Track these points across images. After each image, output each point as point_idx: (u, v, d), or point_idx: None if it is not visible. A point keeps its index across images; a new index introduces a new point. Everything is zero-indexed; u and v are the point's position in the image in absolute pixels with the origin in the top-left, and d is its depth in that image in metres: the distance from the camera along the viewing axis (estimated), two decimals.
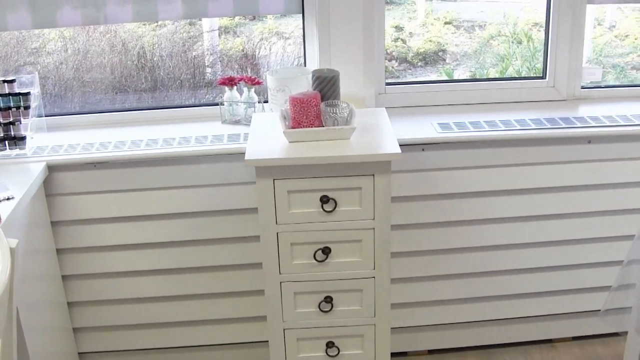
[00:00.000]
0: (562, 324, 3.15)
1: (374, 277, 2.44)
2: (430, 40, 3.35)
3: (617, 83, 3.32)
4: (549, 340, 3.19)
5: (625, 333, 3.11)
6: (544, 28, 3.06)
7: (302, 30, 2.94)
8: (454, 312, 3.06)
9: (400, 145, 2.33)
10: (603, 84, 3.20)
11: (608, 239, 2.98)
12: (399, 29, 3.31)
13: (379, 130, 2.46)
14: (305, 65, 2.97)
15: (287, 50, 3.25)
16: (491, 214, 2.88)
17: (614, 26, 3.46)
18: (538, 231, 2.94)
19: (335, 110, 2.40)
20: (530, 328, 3.14)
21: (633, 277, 2.19)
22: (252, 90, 2.88)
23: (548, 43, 3.05)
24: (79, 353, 3.01)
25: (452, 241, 2.91)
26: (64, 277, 2.86)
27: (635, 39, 3.45)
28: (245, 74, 3.05)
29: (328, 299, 2.47)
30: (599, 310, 3.06)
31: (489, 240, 2.93)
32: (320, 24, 2.81)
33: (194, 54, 3.22)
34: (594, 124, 2.83)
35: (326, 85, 2.47)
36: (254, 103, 2.87)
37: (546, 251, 2.98)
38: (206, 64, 3.28)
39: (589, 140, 2.82)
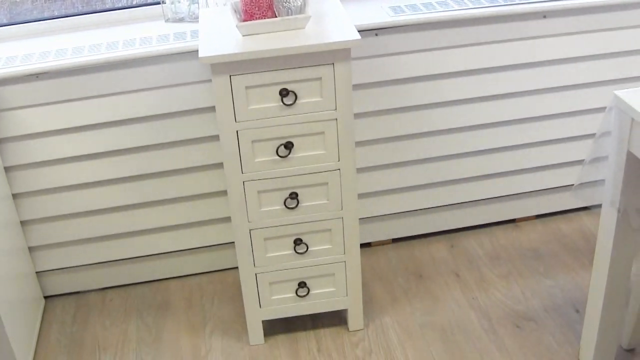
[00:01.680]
0: (525, 202, 3.16)
1: (339, 169, 2.39)
2: None
3: None
4: (513, 220, 3.20)
5: (591, 208, 3.16)
6: None
7: None
8: (416, 198, 3.04)
9: None
10: None
11: (568, 115, 2.97)
12: None
13: (334, 18, 2.37)
14: None
15: None
16: (450, 96, 2.83)
17: None
18: (497, 110, 2.90)
19: None
20: (493, 209, 3.15)
21: (605, 150, 2.16)
22: None
23: None
24: (36, 272, 2.94)
25: (413, 126, 2.86)
26: (14, 196, 2.76)
27: None
28: None
29: (293, 195, 2.41)
30: (561, 187, 3.10)
31: (449, 122, 2.88)
32: None
33: None
34: None
35: None
36: None
37: (506, 130, 2.96)
38: None
39: (544, 15, 2.76)
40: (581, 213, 3.20)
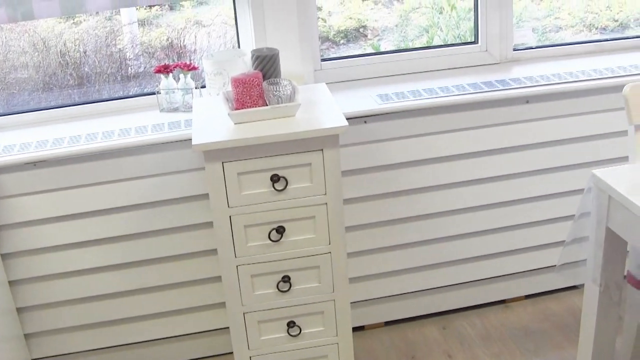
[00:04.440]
0: (515, 283, 3.20)
1: (330, 253, 2.44)
2: (350, 18, 3.35)
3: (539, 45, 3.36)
4: (503, 301, 3.24)
5: (579, 287, 3.19)
6: None
7: (223, 18, 2.91)
8: (408, 281, 3.08)
9: None
10: (534, 45, 3.24)
11: (553, 196, 3.04)
12: (318, 8, 3.30)
13: (323, 105, 2.45)
14: (239, 47, 2.94)
15: (212, 36, 3.22)
16: (438, 180, 2.90)
17: None
18: (484, 194, 2.97)
19: (278, 88, 2.39)
20: (483, 290, 3.18)
21: (585, 230, 2.22)
22: (188, 76, 2.84)
23: (478, 8, 3.07)
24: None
25: (402, 211, 2.93)
26: (10, 283, 2.79)
27: (551, 2, 3.51)
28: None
29: (286, 279, 2.46)
30: (550, 266, 3.14)
31: (438, 206, 2.95)
32: (253, 5, 2.78)
33: (117, 47, 3.16)
34: (530, 84, 2.87)
35: (267, 63, 2.45)
36: (191, 89, 2.84)
37: (494, 213, 3.02)
38: (131, 57, 3.22)
39: (527, 100, 2.86)
40: (570, 292, 3.23)
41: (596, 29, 3.54)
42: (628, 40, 3.28)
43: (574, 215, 3.01)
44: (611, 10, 3.58)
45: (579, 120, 2.93)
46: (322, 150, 2.29)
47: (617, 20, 3.57)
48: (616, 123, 2.90)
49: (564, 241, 3.05)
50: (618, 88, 2.36)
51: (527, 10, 3.49)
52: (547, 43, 3.40)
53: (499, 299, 3.23)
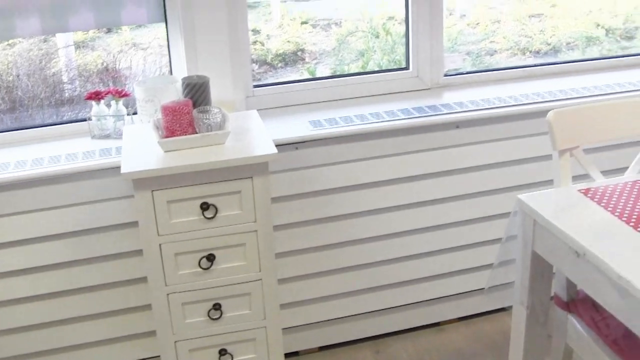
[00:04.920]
0: (448, 305, 3.23)
1: (260, 280, 2.44)
2: (288, 41, 3.37)
3: (475, 69, 3.42)
4: (437, 324, 3.26)
5: (509, 308, 3.23)
6: (404, 19, 3.13)
7: (161, 41, 2.90)
8: (341, 306, 3.09)
9: None
10: (464, 71, 3.29)
11: (483, 219, 3.08)
12: (256, 32, 3.31)
13: (253, 133, 2.46)
14: (172, 74, 2.94)
15: (148, 60, 3.22)
16: (369, 205, 2.93)
17: (465, 15, 3.57)
18: (416, 218, 3.00)
19: (208, 116, 2.39)
20: (417, 313, 3.21)
21: (512, 253, 2.26)
22: (120, 102, 2.83)
23: (409, 34, 3.11)
24: None
25: (334, 236, 2.94)
26: None
27: (486, 26, 3.57)
28: (112, 87, 3.00)
29: (217, 306, 2.45)
30: (481, 289, 3.18)
31: (369, 231, 2.97)
32: (185, 31, 2.79)
33: (52, 70, 3.14)
34: (460, 109, 2.91)
35: (197, 91, 2.46)
36: (123, 116, 2.82)
37: (426, 237, 3.05)
38: (66, 81, 3.20)
39: (457, 125, 2.90)
40: (502, 313, 3.27)
41: (530, 52, 3.61)
42: (557, 65, 3.35)
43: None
44: (544, 34, 3.65)
45: (506, 144, 2.98)
46: (251, 177, 2.30)
47: (549, 44, 3.65)
48: (543, 147, 2.95)
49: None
50: (544, 113, 2.41)
51: (462, 34, 3.54)
52: (481, 67, 3.46)
53: (433, 322, 3.25)
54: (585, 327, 2.25)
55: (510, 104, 2.96)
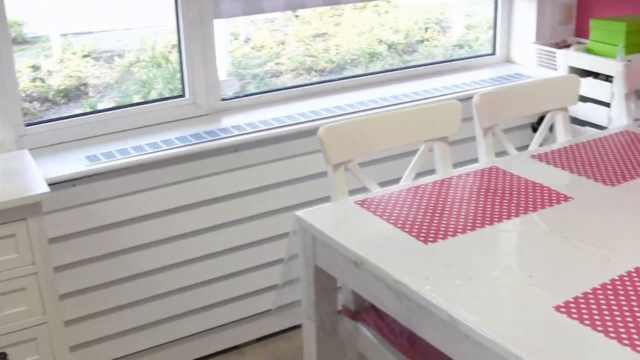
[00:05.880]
0: (246, 327, 3.24)
1: (46, 323, 2.37)
2: (70, 76, 3.29)
3: (258, 91, 3.46)
4: (237, 347, 3.26)
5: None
6: (177, 48, 3.13)
7: None
8: (135, 341, 3.03)
9: (49, 185, 2.29)
10: (242, 94, 3.33)
11: (272, 239, 3.12)
12: (36, 68, 3.22)
13: (24, 173, 2.39)
14: None
15: None
16: (153, 236, 2.90)
17: (249, 39, 3.61)
18: (203, 244, 3.00)
19: None
20: (215, 338, 3.19)
21: (296, 272, 2.30)
22: None
23: (183, 62, 3.12)
24: None
25: (120, 271, 2.88)
26: None
27: (271, 48, 3.63)
28: None
29: (2, 356, 2.35)
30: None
31: (156, 262, 2.94)
32: None
33: None
34: (238, 133, 2.94)
35: None
36: None
37: (215, 262, 3.05)
38: None
39: (236, 148, 2.92)
40: (299, 329, 3.31)
41: (315, 71, 3.70)
42: (336, 82, 3.48)
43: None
44: (329, 53, 3.75)
45: (285, 164, 3.04)
46: (25, 219, 2.23)
47: (334, 62, 3.74)
48: (321, 164, 3.02)
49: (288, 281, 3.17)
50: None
51: (247, 57, 3.58)
52: (266, 89, 3.50)
53: (233, 345, 3.25)
54: (374, 333, 2.32)
55: (287, 124, 3.02)
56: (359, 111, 3.16)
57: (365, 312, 2.36)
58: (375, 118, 2.52)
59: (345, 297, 2.39)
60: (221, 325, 3.18)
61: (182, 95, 3.17)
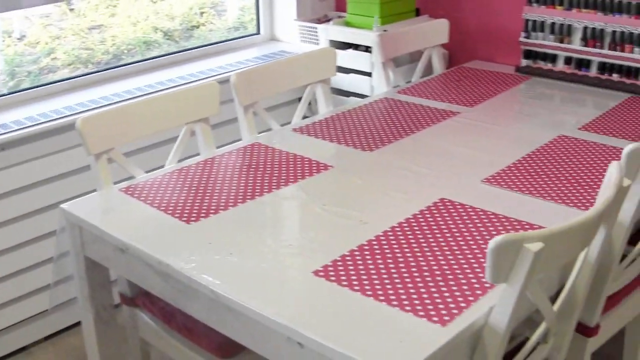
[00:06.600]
0: (33, 326, 3.16)
1: None
2: None
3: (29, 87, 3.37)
4: (25, 348, 3.19)
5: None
6: None
7: None
8: None
9: None
10: (8, 92, 3.24)
11: (40, 238, 3.07)
12: None
13: None
14: None
15: None
16: None
17: (24, 36, 3.52)
18: None
19: None
20: (1, 341, 3.11)
21: (68, 269, 2.29)
22: None
23: None
24: None
25: None
26: None
27: (46, 43, 3.55)
28: None
29: None
30: (63, 303, 3.17)
31: None
32: None
33: None
34: (3, 131, 2.87)
35: None
36: None
37: None
38: None
39: (3, 147, 2.86)
40: None
41: (92, 63, 3.64)
42: (105, 72, 3.50)
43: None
44: (105, 44, 3.70)
45: (53, 159, 2.99)
46: None
47: (110, 53, 3.70)
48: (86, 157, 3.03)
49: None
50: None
51: (21, 55, 3.48)
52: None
53: (20, 347, 3.17)
54: (152, 317, 2.35)
55: (53, 118, 2.97)
56: (124, 100, 3.15)
57: (141, 297, 2.38)
58: (133, 105, 2.53)
59: (122, 285, 2.41)
60: (5, 328, 3.10)
61: None
